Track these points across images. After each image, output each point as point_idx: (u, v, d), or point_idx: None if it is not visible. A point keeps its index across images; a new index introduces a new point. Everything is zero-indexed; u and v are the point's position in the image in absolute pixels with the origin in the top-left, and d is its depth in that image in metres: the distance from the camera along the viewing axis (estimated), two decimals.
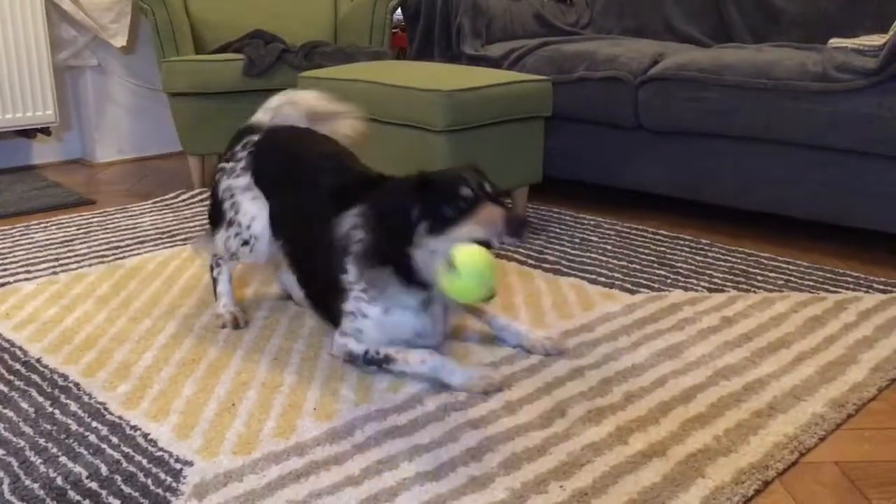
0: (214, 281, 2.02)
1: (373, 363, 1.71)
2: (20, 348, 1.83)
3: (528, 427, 1.51)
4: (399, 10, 3.55)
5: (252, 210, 1.91)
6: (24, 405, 1.58)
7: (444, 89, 2.41)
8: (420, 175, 1.63)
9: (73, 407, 1.57)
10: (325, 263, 1.73)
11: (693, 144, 2.75)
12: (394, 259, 1.61)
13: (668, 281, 2.27)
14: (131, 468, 1.37)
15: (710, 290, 2.19)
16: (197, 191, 3.22)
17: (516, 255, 2.47)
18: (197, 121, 3.20)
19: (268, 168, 1.93)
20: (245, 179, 1.94)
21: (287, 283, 2.05)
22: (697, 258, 2.46)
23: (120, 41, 3.62)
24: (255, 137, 1.99)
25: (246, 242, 1.92)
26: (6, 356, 1.79)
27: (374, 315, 1.69)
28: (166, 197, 3.14)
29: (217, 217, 1.98)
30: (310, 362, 1.77)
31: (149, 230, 2.72)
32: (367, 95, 2.60)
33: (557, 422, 1.53)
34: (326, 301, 1.79)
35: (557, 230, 2.75)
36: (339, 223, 1.68)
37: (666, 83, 2.74)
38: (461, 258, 1.49)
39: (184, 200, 3.09)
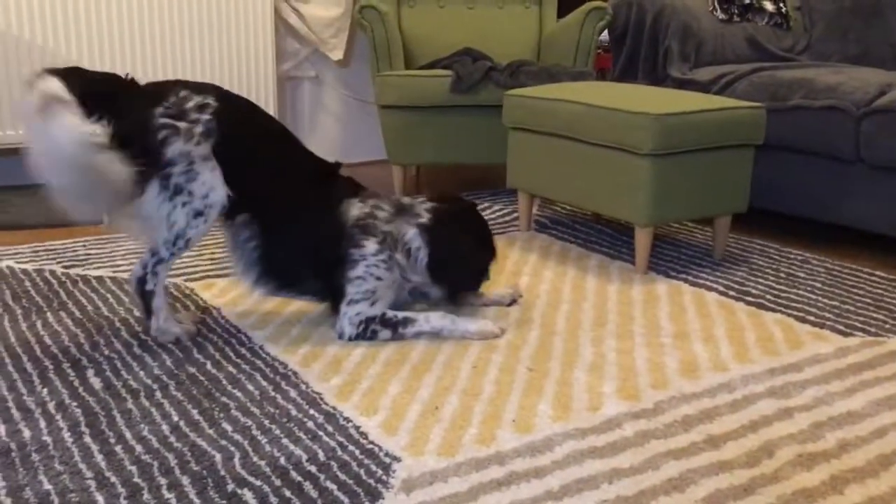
0: (149, 294, 1.86)
1: (389, 325, 1.96)
2: (245, 335, 2.00)
3: (732, 464, 1.47)
4: (604, 32, 3.56)
5: (211, 180, 1.81)
6: (251, 387, 1.72)
7: (653, 112, 2.39)
8: (486, 231, 2.19)
9: (293, 394, 1.70)
10: (327, 239, 1.95)
11: None
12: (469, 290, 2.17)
13: (887, 326, 2.13)
14: (345, 457, 1.46)
15: None
16: None
17: (716, 286, 2.40)
18: (404, 132, 3.36)
19: (233, 140, 1.84)
20: (205, 148, 1.81)
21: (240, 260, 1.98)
22: None
23: (337, 55, 3.86)
24: (208, 100, 1.83)
25: (200, 213, 1.81)
26: (234, 341, 1.96)
27: (387, 277, 2.00)
28: None
29: (156, 161, 1.77)
30: (507, 374, 1.81)
31: None
32: (571, 115, 2.62)
33: (765, 462, 1.47)
34: (323, 272, 1.97)
35: (760, 263, 2.64)
36: (347, 209, 1.97)
37: (894, 116, 2.57)
38: None
39: None
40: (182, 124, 1.79)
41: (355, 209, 1.99)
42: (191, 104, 1.82)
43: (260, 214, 1.93)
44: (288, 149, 1.99)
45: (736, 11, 3.46)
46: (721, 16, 3.43)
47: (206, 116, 1.82)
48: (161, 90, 1.84)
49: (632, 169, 2.46)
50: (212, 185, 1.82)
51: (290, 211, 1.96)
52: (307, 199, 1.97)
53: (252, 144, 1.90)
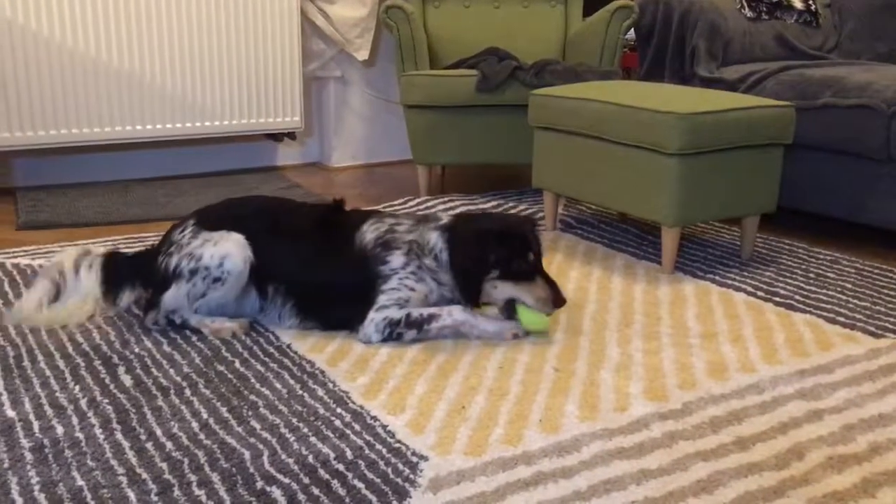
0: (182, 324, 2.01)
1: (413, 325, 1.95)
2: (273, 334, 2.01)
3: (762, 466, 1.46)
4: (631, 30, 3.54)
5: (219, 252, 1.97)
6: (278, 386, 1.74)
7: (681, 112, 2.38)
8: (498, 226, 2.01)
9: (320, 392, 1.71)
10: (354, 266, 2.00)
11: None
12: (471, 284, 1.98)
13: None
14: (373, 455, 1.47)
15: None
16: (424, 198, 3.38)
17: (744, 287, 2.38)
18: (429, 132, 3.36)
19: (222, 220, 2.05)
20: (200, 238, 2.00)
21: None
22: None
23: (363, 55, 3.87)
24: (187, 221, 2.07)
25: (218, 279, 1.97)
26: (262, 340, 1.98)
27: (419, 289, 2.00)
28: (395, 202, 3.31)
29: (166, 284, 2.00)
30: (534, 374, 1.81)
31: None
32: (597, 115, 2.61)
33: (794, 464, 1.46)
34: (355, 295, 1.99)
35: (789, 263, 2.62)
36: (362, 236, 2.02)
37: None
38: (525, 320, 1.98)
39: (411, 207, 3.25)
40: (173, 248, 2.03)
41: (370, 232, 2.03)
42: (176, 234, 2.05)
43: (281, 280, 2.03)
44: (283, 214, 2.12)
45: (764, 9, 3.42)
46: (749, 14, 3.40)
47: (188, 230, 2.04)
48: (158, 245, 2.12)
49: (659, 168, 2.45)
50: (222, 254, 1.97)
51: (304, 266, 2.02)
52: (318, 249, 2.03)
53: (243, 223, 2.05)
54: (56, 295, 2.04)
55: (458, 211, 3.17)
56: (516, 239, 1.97)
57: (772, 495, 1.37)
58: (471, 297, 1.98)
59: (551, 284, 1.97)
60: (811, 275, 2.51)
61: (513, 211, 3.21)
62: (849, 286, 2.41)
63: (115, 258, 2.12)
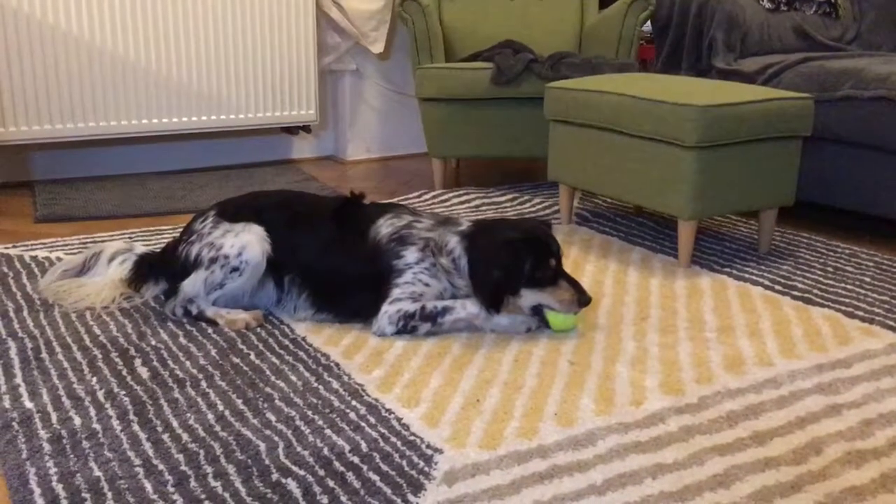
0: (199, 315, 2.03)
1: (428, 318, 1.95)
2: (288, 326, 2.02)
3: (779, 461, 1.45)
4: (647, 22, 3.51)
5: (238, 242, 2.01)
6: (294, 378, 1.74)
7: (698, 104, 2.36)
8: (521, 234, 1.96)
9: (335, 385, 1.71)
10: (368, 258, 2.01)
11: None
12: (499, 295, 1.94)
13: None
14: (388, 448, 1.47)
15: None
16: (439, 191, 3.37)
17: (762, 280, 2.37)
18: (444, 125, 3.36)
19: (242, 212, 2.10)
20: (221, 228, 2.05)
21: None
22: None
23: (378, 48, 3.87)
24: (209, 213, 2.12)
25: (236, 269, 2.01)
26: (277, 332, 1.98)
27: (434, 285, 2.00)
28: (410, 196, 3.31)
29: (186, 272, 2.04)
30: (549, 367, 1.81)
31: None
32: (614, 108, 2.59)
33: (812, 459, 1.45)
34: (369, 287, 2.00)
35: (807, 257, 2.60)
36: (377, 231, 2.03)
37: None
38: (554, 323, 1.98)
39: (426, 200, 3.25)
40: (194, 237, 2.07)
41: (385, 227, 2.03)
42: (197, 224, 2.10)
43: (297, 271, 2.06)
44: (302, 207, 2.14)
45: (783, 0, 3.39)
46: (767, 5, 3.36)
47: (209, 221, 2.09)
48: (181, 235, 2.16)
49: (676, 161, 2.43)
50: (241, 245, 2.01)
51: (320, 257, 2.04)
52: (334, 241, 2.05)
53: (262, 215, 2.09)
54: (81, 272, 2.18)
55: (474, 204, 3.17)
56: (540, 246, 1.96)
57: (789, 490, 1.36)
58: (496, 307, 1.95)
59: (574, 285, 1.97)
60: (829, 268, 2.48)
61: (527, 204, 3.20)
62: (867, 280, 2.38)
63: (149, 255, 2.20)
